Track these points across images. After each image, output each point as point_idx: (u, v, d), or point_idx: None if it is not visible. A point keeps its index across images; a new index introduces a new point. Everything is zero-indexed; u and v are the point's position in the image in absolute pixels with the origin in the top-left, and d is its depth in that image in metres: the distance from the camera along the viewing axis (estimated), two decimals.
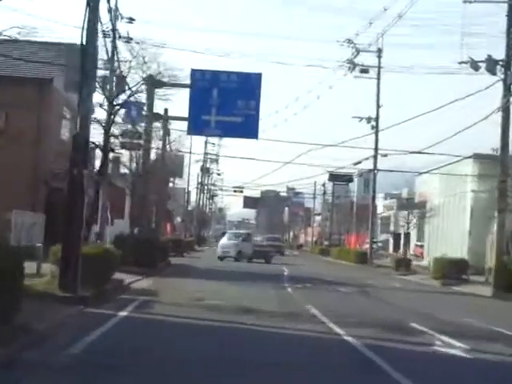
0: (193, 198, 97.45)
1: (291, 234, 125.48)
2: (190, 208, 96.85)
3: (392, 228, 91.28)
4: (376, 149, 55.31)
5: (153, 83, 34.42)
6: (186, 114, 35.50)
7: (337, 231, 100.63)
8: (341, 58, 54.77)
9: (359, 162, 56.86)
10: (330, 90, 54.40)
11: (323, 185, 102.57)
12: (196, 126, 35.43)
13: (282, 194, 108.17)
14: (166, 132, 38.75)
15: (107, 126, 26.35)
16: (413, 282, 37.88)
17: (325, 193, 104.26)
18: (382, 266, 55.88)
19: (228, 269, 39.07)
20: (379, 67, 56.01)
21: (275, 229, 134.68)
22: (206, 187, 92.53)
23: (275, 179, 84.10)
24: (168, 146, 41.30)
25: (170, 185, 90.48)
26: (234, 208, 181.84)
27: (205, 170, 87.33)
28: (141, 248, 30.00)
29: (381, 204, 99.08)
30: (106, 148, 26.33)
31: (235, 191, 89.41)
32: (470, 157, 48.95)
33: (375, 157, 55.32)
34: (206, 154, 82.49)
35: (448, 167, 51.57)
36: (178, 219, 66.39)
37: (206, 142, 79.53)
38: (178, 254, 51.50)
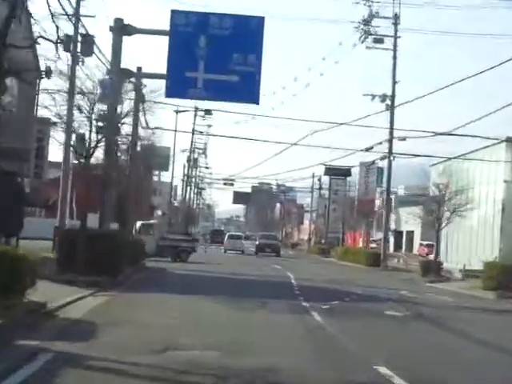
0: (180, 192, 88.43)
1: (283, 232, 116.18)
2: (176, 204, 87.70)
3: (393, 225, 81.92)
4: (391, 131, 46.20)
5: (121, 29, 25.24)
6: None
7: (333, 229, 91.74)
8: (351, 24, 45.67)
9: (370, 148, 47.66)
10: (336, 65, 44.43)
11: (319, 179, 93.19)
12: (177, 85, 26.02)
13: (274, 187, 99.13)
14: (139, 97, 29.34)
15: None
16: (459, 293, 28.64)
17: (320, 188, 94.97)
18: (397, 269, 46.84)
19: (218, 273, 29.85)
20: (395, 36, 46.92)
21: (266, 226, 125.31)
22: (193, 180, 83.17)
23: (268, 170, 75.00)
24: (143, 119, 31.92)
25: (155, 179, 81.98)
26: (223, 205, 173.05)
27: (192, 161, 77.96)
28: (96, 248, 20.73)
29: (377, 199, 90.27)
30: None
31: (225, 184, 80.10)
32: (502, 141, 40.08)
33: (390, 140, 46.17)
34: (193, 131, 72.77)
35: (475, 154, 42.44)
36: (159, 213, 56.87)
37: (195, 114, 69.30)
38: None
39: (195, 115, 76.55)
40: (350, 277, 35.14)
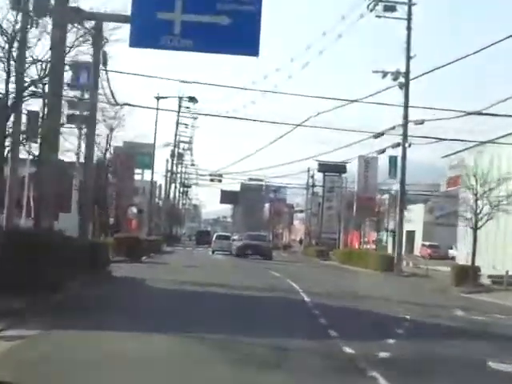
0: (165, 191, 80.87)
1: (273, 232, 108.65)
2: (160, 203, 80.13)
3: (391, 225, 74.67)
4: (406, 114, 38.88)
5: None
6: None
7: (328, 229, 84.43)
8: None
9: (381, 134, 40.24)
10: (341, 39, 36.90)
11: (312, 176, 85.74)
12: (146, 31, 18.56)
13: (264, 184, 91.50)
14: (98, 49, 21.61)
15: None
16: None
17: (314, 185, 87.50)
18: (414, 274, 39.44)
19: (206, 286, 22.25)
20: (410, 3, 39.61)
21: (254, 227, 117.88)
22: (177, 176, 75.54)
23: (259, 164, 67.35)
24: (107, 84, 24.29)
25: (138, 177, 74.45)
26: (210, 205, 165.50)
27: (176, 156, 70.34)
28: (18, 255, 13.23)
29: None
30: None
31: (212, 180, 72.34)
32: None
33: (405, 125, 38.86)
34: (178, 123, 65.49)
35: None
36: (133, 210, 49.24)
37: (179, 104, 61.55)
38: (133, 258, 35.00)
39: (179, 105, 69.17)
40: (367, 287, 27.79)
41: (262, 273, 32.47)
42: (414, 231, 79.26)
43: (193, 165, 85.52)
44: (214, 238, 61.21)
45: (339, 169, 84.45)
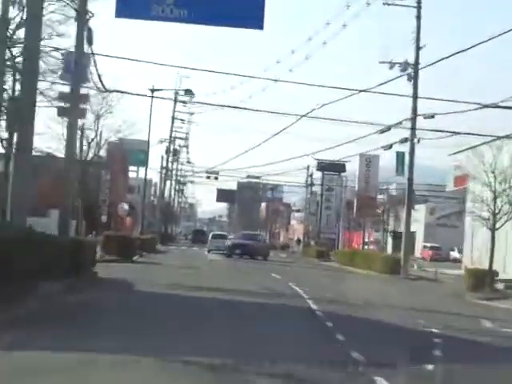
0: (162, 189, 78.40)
1: (270, 232, 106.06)
2: (156, 201, 77.59)
3: (391, 226, 72.37)
4: (415, 107, 36.42)
5: None
6: None
7: (326, 229, 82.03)
8: None
9: (388, 129, 37.72)
10: (344, 30, 34.11)
11: (310, 175, 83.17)
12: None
13: (261, 181, 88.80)
14: (83, 25, 19.01)
15: None
16: None
17: (312, 184, 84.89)
18: (422, 277, 37.01)
19: (200, 291, 19.75)
20: None
21: (251, 226, 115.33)
22: (173, 173, 72.96)
23: (256, 161, 64.58)
24: (92, 63, 21.68)
25: (134, 175, 71.95)
26: (205, 204, 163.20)
27: (172, 153, 67.78)
28: None
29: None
30: None
31: (208, 177, 69.72)
32: None
33: (413, 118, 36.42)
34: (173, 118, 62.86)
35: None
36: (125, 207, 46.58)
37: (175, 99, 59.06)
38: (124, 258, 32.66)
39: (175, 100, 66.63)
40: (377, 292, 25.38)
41: (261, 275, 29.99)
42: (414, 232, 76.81)
43: (189, 162, 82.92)
44: (210, 238, 59.12)
45: (338, 168, 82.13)
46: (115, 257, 32.90)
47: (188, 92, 50.00)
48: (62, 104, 36.54)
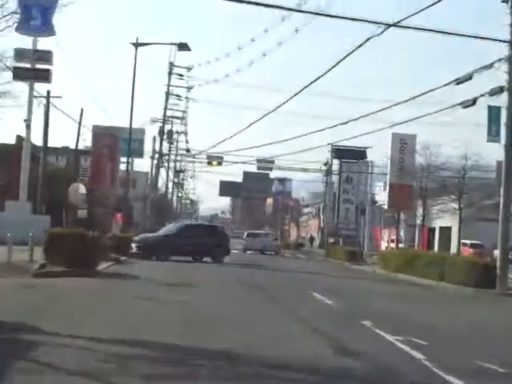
0: (161, 184, 66.91)
1: (281, 230, 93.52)
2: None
3: (419, 220, 60.34)
4: None
5: None
6: None
7: (345, 225, 69.95)
8: None
9: (470, 78, 25.11)
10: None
11: (325, 164, 70.77)
12: None
13: (271, 173, 76.56)
14: None
15: None
16: None
17: (328, 173, 72.45)
18: None
19: (192, 356, 7.40)
20: None
21: (257, 224, 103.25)
22: (169, 158, 60.52)
23: (265, 151, 52.62)
24: None
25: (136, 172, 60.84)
26: (208, 201, 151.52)
27: (166, 134, 55.44)
28: None
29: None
30: None
31: (209, 163, 57.05)
32: None
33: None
34: (168, 94, 51.09)
35: None
36: (81, 189, 34.58)
37: (169, 71, 47.08)
38: (83, 268, 20.51)
39: (170, 72, 54.34)
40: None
41: (298, 299, 17.43)
42: (449, 227, 64.41)
43: (188, 151, 70.44)
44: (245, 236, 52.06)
45: (358, 154, 70.22)
46: (65, 267, 20.67)
47: (183, 46, 37.58)
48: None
